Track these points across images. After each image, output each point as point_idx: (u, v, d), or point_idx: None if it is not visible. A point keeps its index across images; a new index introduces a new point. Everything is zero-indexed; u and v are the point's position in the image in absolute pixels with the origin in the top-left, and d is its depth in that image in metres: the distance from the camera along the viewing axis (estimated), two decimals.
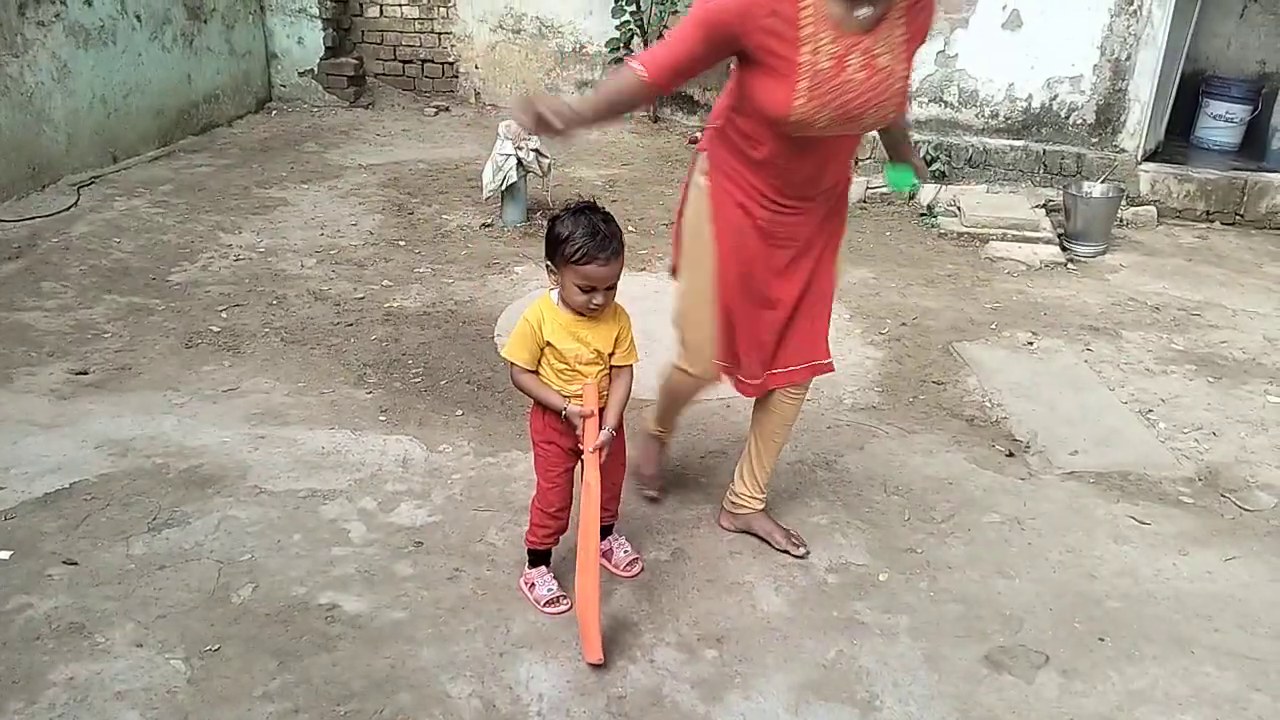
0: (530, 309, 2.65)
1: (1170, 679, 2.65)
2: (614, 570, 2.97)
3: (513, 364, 2.67)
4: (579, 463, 2.75)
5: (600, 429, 2.64)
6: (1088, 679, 2.63)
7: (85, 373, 4.00)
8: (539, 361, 2.65)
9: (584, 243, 2.47)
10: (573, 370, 2.63)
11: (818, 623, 2.81)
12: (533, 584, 2.85)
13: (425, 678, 2.54)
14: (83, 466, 3.35)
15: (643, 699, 2.51)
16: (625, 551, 3.01)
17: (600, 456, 2.64)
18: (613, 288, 2.57)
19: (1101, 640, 2.77)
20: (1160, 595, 2.98)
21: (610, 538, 3.02)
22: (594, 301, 2.54)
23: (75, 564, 2.89)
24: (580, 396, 2.64)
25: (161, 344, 4.27)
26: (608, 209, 2.61)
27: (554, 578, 2.86)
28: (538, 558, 2.88)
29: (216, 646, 2.60)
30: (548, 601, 2.80)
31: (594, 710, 2.46)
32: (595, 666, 2.58)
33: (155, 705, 2.41)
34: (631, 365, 2.74)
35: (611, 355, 2.67)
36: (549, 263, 2.58)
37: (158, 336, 4.33)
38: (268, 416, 3.74)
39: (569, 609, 2.80)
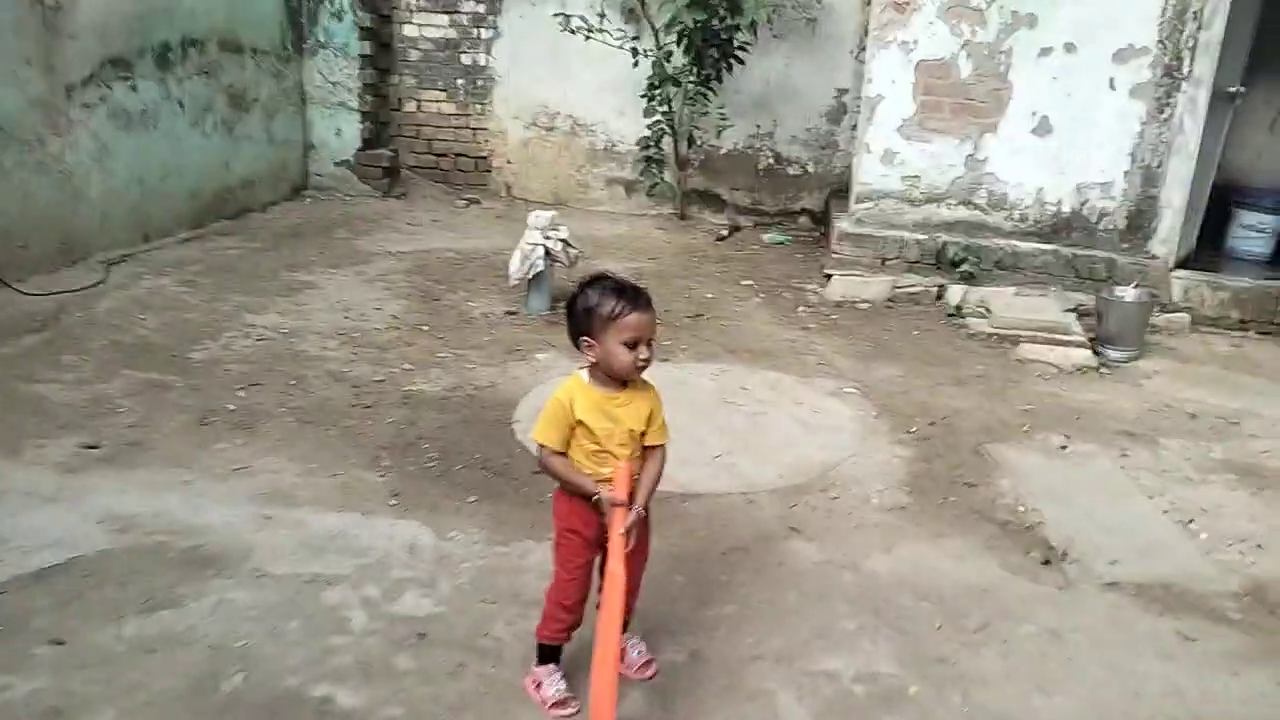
0: (560, 389, 2.57)
1: None
2: (626, 671, 2.80)
3: (542, 446, 2.57)
4: (599, 556, 2.64)
5: (630, 511, 2.53)
6: None
7: (96, 447, 3.93)
8: (568, 444, 2.56)
9: (617, 298, 2.47)
10: (604, 451, 2.54)
11: None
12: (540, 683, 2.69)
13: None
14: (82, 542, 3.25)
15: None
16: (639, 652, 2.84)
17: (629, 542, 2.52)
18: (653, 341, 2.53)
19: None
20: (1210, 718, 2.77)
21: (624, 636, 2.85)
22: (642, 356, 2.50)
23: (63, 644, 2.76)
24: (611, 480, 2.54)
25: (175, 421, 4.21)
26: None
27: (563, 677, 2.70)
28: (548, 654, 2.72)
29: None
30: (555, 703, 2.64)
31: None
32: None
33: None
34: (664, 445, 2.65)
35: (644, 435, 2.59)
36: (584, 338, 2.52)
37: (173, 413, 4.27)
38: (276, 497, 3.64)
39: (577, 712, 2.63)
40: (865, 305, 6.48)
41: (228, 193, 7.49)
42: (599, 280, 2.55)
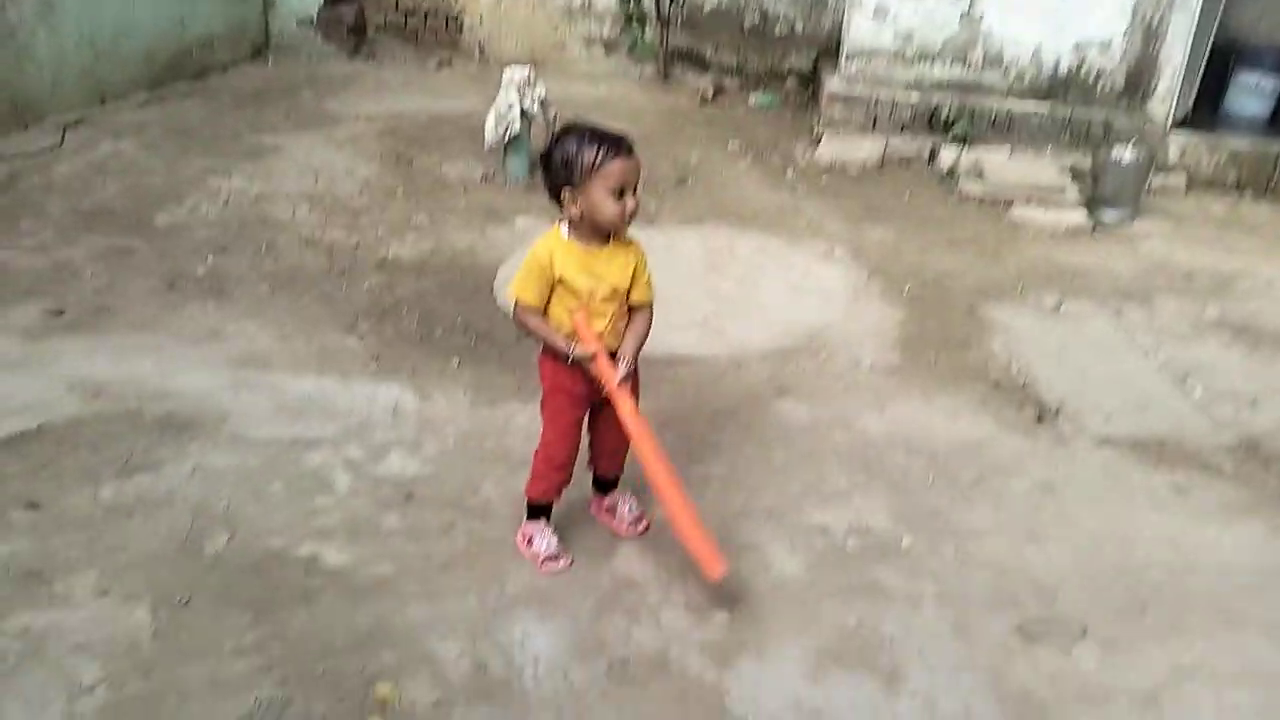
0: (538, 244, 2.42)
1: (1218, 654, 2.44)
2: (618, 528, 2.77)
3: (517, 302, 2.44)
4: (587, 413, 2.59)
5: (618, 364, 2.45)
6: (1129, 652, 2.43)
7: (61, 312, 3.77)
8: (548, 302, 2.43)
9: (598, 145, 2.30)
10: (586, 310, 2.42)
11: (836, 588, 2.60)
12: (530, 539, 2.64)
13: (411, 635, 2.33)
14: (52, 408, 3.13)
15: (648, 663, 2.30)
16: (631, 508, 2.80)
17: (627, 391, 2.46)
18: (638, 189, 2.37)
19: (1143, 612, 2.57)
20: (1204, 566, 2.77)
21: (615, 493, 2.82)
22: (629, 205, 2.34)
23: (38, 508, 2.68)
24: (578, 335, 2.43)
25: (142, 286, 4.04)
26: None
27: (555, 533, 2.65)
28: (539, 511, 2.67)
29: (186, 598, 2.40)
30: (546, 558, 2.59)
31: (594, 674, 2.26)
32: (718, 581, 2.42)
33: (116, 658, 2.20)
34: (650, 304, 2.53)
35: (629, 293, 2.47)
36: (565, 190, 2.35)
37: (139, 278, 4.10)
38: (251, 361, 3.52)
39: (568, 566, 2.59)
40: (856, 168, 6.29)
41: (185, 53, 7.09)
42: (575, 128, 2.38)
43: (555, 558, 2.60)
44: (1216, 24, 6.68)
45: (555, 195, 2.39)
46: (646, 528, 2.77)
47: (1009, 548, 2.80)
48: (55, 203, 4.76)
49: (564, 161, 2.33)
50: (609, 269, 2.42)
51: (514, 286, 2.44)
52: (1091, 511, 2.98)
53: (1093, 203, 5.71)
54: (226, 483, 2.85)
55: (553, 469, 2.61)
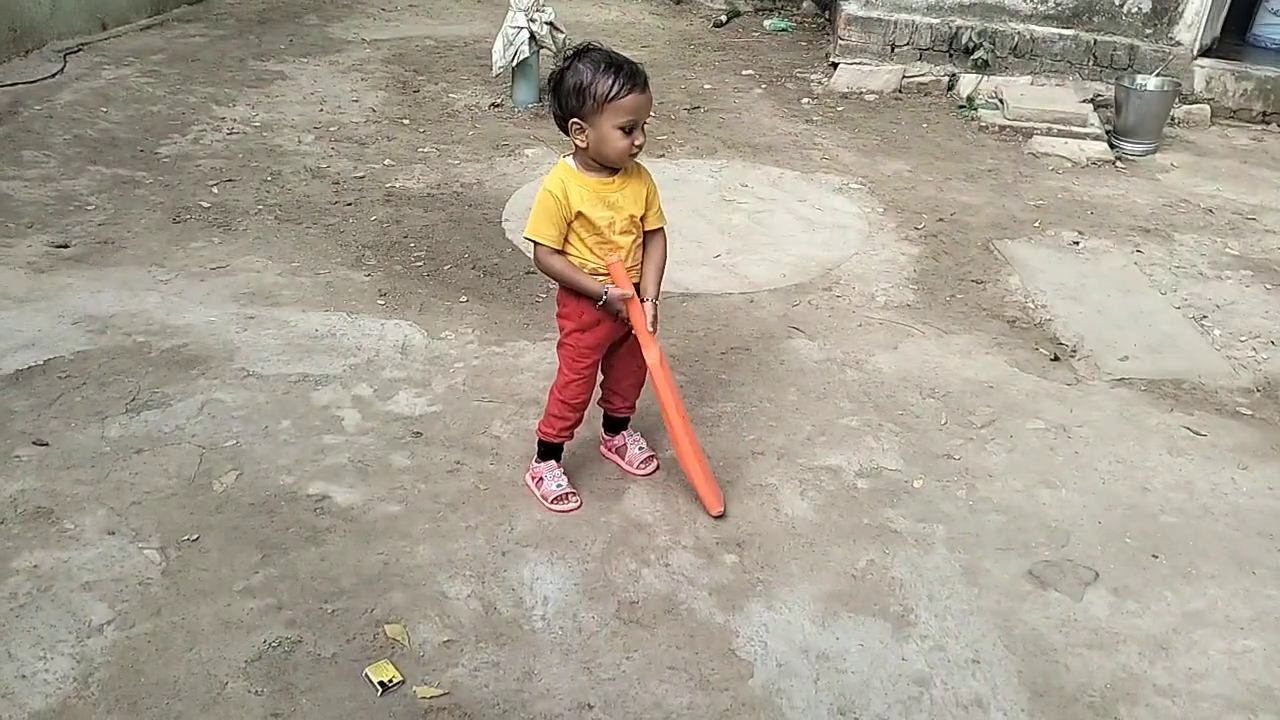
0: (548, 179, 2.36)
1: (1230, 600, 2.43)
2: (628, 468, 2.75)
3: (538, 244, 2.37)
4: (605, 353, 2.57)
5: (642, 302, 2.43)
6: (1141, 598, 2.41)
7: (66, 246, 3.74)
8: (565, 239, 2.38)
9: (614, 76, 2.21)
10: (607, 242, 2.37)
11: (846, 530, 2.58)
12: (540, 478, 2.63)
13: (421, 576, 2.33)
14: (58, 343, 3.11)
15: (656, 605, 2.30)
16: (640, 448, 2.77)
17: (656, 330, 2.45)
18: (645, 125, 2.31)
19: (1155, 557, 2.55)
20: (1218, 511, 2.74)
21: (625, 433, 2.80)
22: (637, 141, 2.28)
23: (46, 445, 2.67)
24: (609, 275, 2.39)
25: (147, 218, 3.99)
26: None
27: (564, 473, 2.64)
28: (550, 451, 2.65)
29: (195, 536, 2.40)
30: (556, 498, 2.58)
31: (603, 615, 2.26)
32: (718, 517, 2.55)
33: (125, 597, 2.21)
34: (663, 228, 2.49)
35: (643, 219, 2.43)
36: (575, 120, 2.27)
37: (144, 210, 4.05)
38: (258, 296, 3.49)
39: (578, 507, 2.58)
40: (872, 96, 6.14)
41: None
42: (589, 53, 2.27)
43: (563, 497, 2.59)
44: None
45: (562, 123, 2.32)
46: (656, 468, 2.75)
47: (1022, 490, 2.78)
48: (58, 132, 4.68)
49: (576, 89, 2.25)
50: (623, 198, 2.37)
51: (530, 229, 2.37)
52: (1106, 454, 2.95)
53: (1115, 133, 5.57)
54: (235, 420, 2.83)
55: (569, 409, 2.58)
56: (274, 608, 2.21)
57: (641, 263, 2.47)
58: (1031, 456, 2.92)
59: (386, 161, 4.73)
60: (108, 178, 4.31)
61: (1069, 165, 5.26)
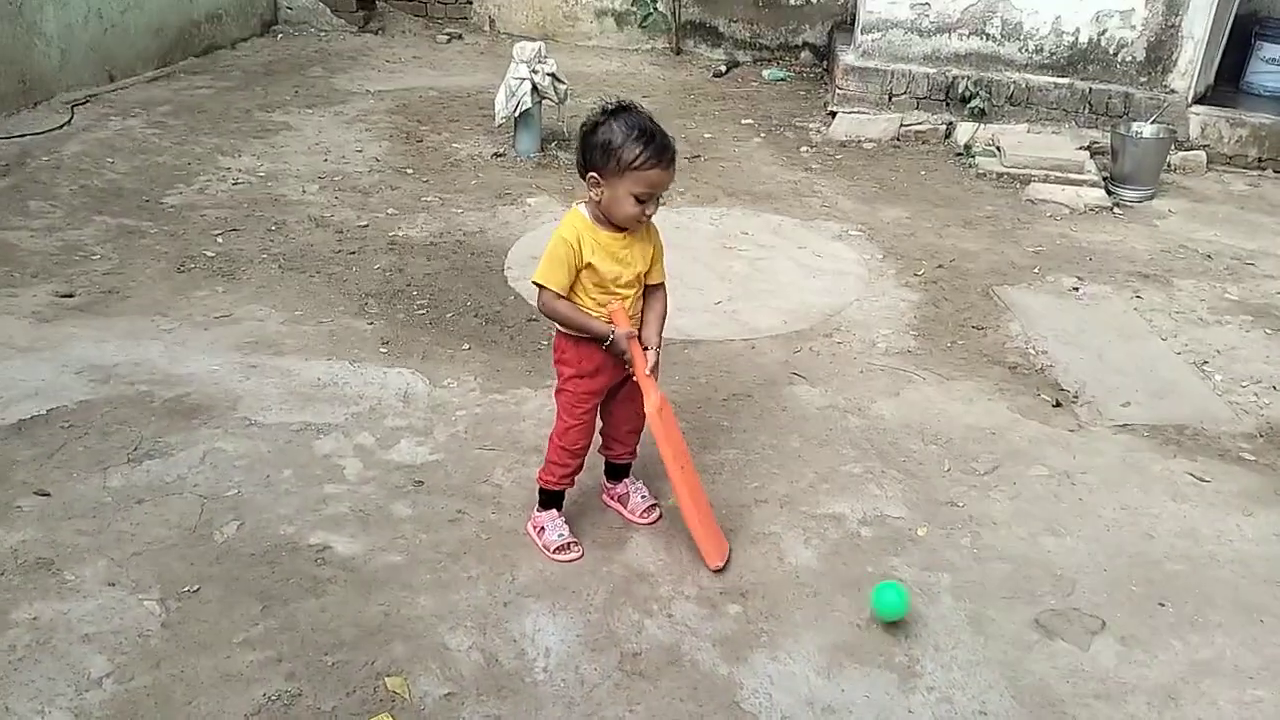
0: (563, 227, 2.38)
1: (1238, 649, 2.41)
2: (630, 517, 2.74)
3: (543, 289, 2.39)
4: (603, 400, 2.59)
5: (647, 352, 2.47)
6: (1148, 647, 2.39)
7: (70, 295, 3.76)
8: (572, 287, 2.40)
9: (644, 147, 2.22)
10: (610, 293, 2.40)
11: (851, 579, 2.57)
12: (542, 528, 2.62)
13: (422, 627, 2.32)
14: (62, 393, 3.11)
15: (659, 657, 2.28)
16: (643, 497, 2.77)
17: (656, 377, 2.49)
18: (660, 198, 2.36)
19: (1162, 605, 2.53)
20: (1224, 558, 2.72)
21: (627, 480, 2.80)
22: (648, 211, 2.32)
23: (47, 495, 2.66)
24: (611, 319, 2.42)
25: (152, 268, 4.02)
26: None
27: (565, 522, 2.63)
28: (550, 499, 2.64)
29: (195, 587, 2.38)
30: (558, 548, 2.57)
31: (605, 667, 2.24)
32: (717, 571, 2.53)
33: (125, 649, 2.19)
34: (664, 283, 2.53)
35: (647, 274, 2.46)
36: (595, 174, 2.30)
37: (148, 260, 4.08)
38: (261, 345, 3.50)
39: (579, 557, 2.58)
40: (871, 144, 6.21)
41: (194, 28, 7.04)
42: (627, 114, 2.28)
43: (566, 547, 2.58)
44: None
45: (582, 171, 2.35)
46: (659, 517, 2.74)
47: (1026, 538, 2.76)
48: (64, 182, 4.73)
49: (604, 146, 2.26)
50: (632, 255, 2.41)
51: (540, 273, 2.38)
52: (1110, 501, 2.93)
53: (1112, 180, 5.62)
54: (237, 469, 2.83)
55: (569, 455, 2.58)
56: (274, 660, 2.19)
57: (642, 313, 2.50)
58: (1035, 503, 2.91)
59: (390, 210, 4.77)
60: (113, 228, 4.35)
61: (1067, 211, 5.30)
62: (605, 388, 2.53)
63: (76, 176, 4.82)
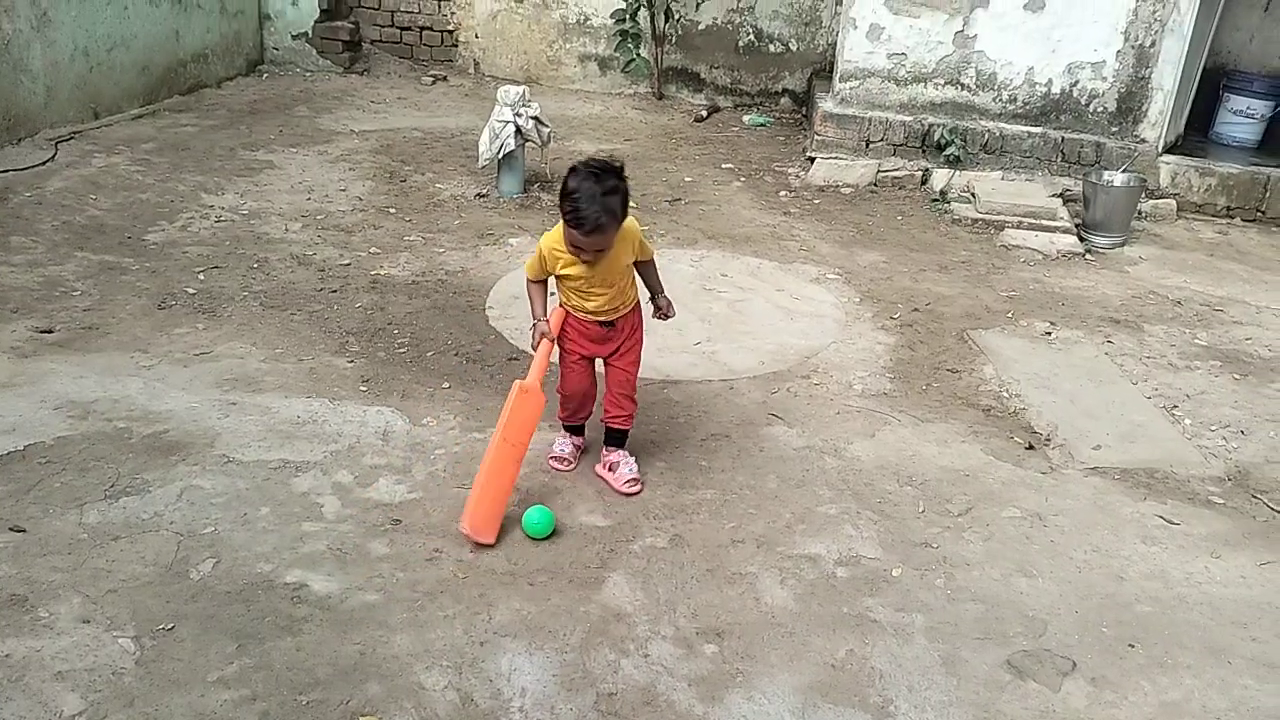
0: (547, 237, 2.90)
1: (1207, 690, 2.44)
2: (614, 484, 3.07)
3: (526, 274, 3.03)
4: (592, 359, 3.08)
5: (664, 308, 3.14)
6: (1118, 688, 2.42)
7: (50, 331, 3.76)
8: (547, 276, 2.96)
9: (573, 209, 2.69)
10: (584, 291, 2.89)
11: (826, 619, 2.59)
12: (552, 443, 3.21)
13: (397, 667, 2.32)
14: (39, 428, 3.11)
15: (635, 697, 2.29)
16: (630, 469, 3.08)
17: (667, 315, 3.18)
18: (602, 251, 2.77)
19: (1132, 646, 2.56)
20: (1193, 600, 2.77)
21: (622, 452, 3.13)
22: (583, 257, 2.80)
23: (23, 531, 2.66)
24: (551, 319, 2.97)
25: (133, 304, 4.03)
26: (624, 172, 2.79)
27: (574, 445, 3.19)
28: (571, 428, 3.22)
29: (170, 625, 2.38)
30: (552, 456, 3.15)
31: (581, 708, 2.25)
32: (465, 536, 2.74)
33: (98, 688, 2.18)
34: (652, 257, 3.04)
35: (634, 260, 2.96)
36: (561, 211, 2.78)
37: (129, 296, 4.09)
38: (241, 382, 3.51)
39: (568, 468, 3.13)
40: (848, 189, 6.31)
41: (180, 67, 7.09)
42: (589, 177, 2.71)
43: (559, 459, 3.13)
44: (1208, 48, 6.74)
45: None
46: (640, 490, 3.05)
47: (999, 579, 2.80)
48: (47, 218, 4.74)
49: (562, 191, 2.75)
50: (600, 266, 2.84)
51: (525, 265, 3.02)
52: (1081, 542, 2.98)
53: (1084, 226, 5.73)
54: (214, 506, 2.83)
55: (565, 399, 3.12)
56: (248, 699, 2.19)
57: (647, 284, 3.10)
58: (1008, 545, 2.95)
59: (372, 249, 4.80)
60: (94, 264, 4.36)
61: (1040, 257, 5.40)
62: (588, 352, 3.04)
63: (59, 212, 4.84)
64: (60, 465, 2.94)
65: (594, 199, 2.67)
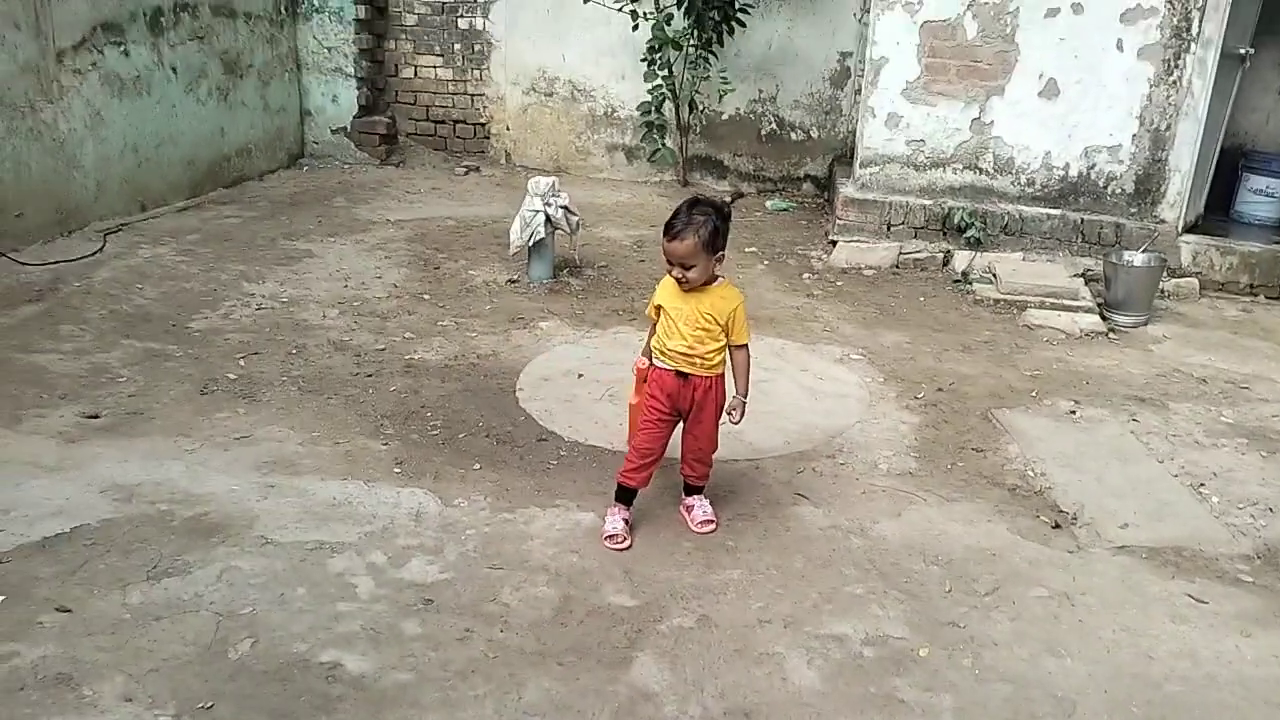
0: (663, 280, 3.26)
1: None
2: (691, 526, 3.36)
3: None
4: (675, 420, 3.30)
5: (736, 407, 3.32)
6: None
7: (96, 416, 3.89)
8: (657, 317, 3.27)
9: (668, 223, 3.09)
10: (674, 328, 3.17)
11: (853, 699, 2.60)
12: (604, 517, 3.32)
13: None
14: (85, 511, 3.22)
15: None
16: (704, 513, 3.37)
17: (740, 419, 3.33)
18: (690, 266, 3.08)
19: None
20: (1223, 679, 2.75)
21: (697, 497, 3.42)
22: (674, 274, 3.13)
23: (69, 611, 2.74)
24: (680, 354, 3.22)
25: (176, 390, 4.17)
26: (725, 211, 3.14)
27: (624, 519, 3.29)
28: (622, 494, 3.32)
29: (209, 704, 2.43)
30: (608, 535, 3.24)
31: None
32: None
33: None
34: (745, 345, 3.27)
35: (723, 331, 3.19)
36: None
37: (173, 382, 4.24)
38: (279, 465, 3.61)
39: (625, 547, 3.22)
40: (870, 272, 6.42)
41: (224, 161, 7.41)
42: (690, 203, 3.12)
43: (614, 537, 3.23)
44: (1224, 130, 6.86)
45: None
46: (713, 529, 3.36)
47: (1027, 659, 2.80)
48: (94, 308, 4.94)
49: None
50: (697, 300, 3.16)
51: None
52: (1109, 622, 2.97)
53: (1106, 306, 5.79)
54: (252, 587, 2.90)
55: (636, 455, 3.28)
56: None
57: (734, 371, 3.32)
58: (1036, 624, 2.95)
59: (406, 334, 4.95)
60: (139, 351, 4.52)
61: (1063, 337, 5.45)
62: (669, 409, 3.25)
63: (106, 302, 5.03)
64: (105, 547, 3.04)
65: (683, 214, 3.08)
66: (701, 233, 3.06)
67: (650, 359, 3.33)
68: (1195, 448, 4.19)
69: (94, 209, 6.10)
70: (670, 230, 3.09)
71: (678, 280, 3.13)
